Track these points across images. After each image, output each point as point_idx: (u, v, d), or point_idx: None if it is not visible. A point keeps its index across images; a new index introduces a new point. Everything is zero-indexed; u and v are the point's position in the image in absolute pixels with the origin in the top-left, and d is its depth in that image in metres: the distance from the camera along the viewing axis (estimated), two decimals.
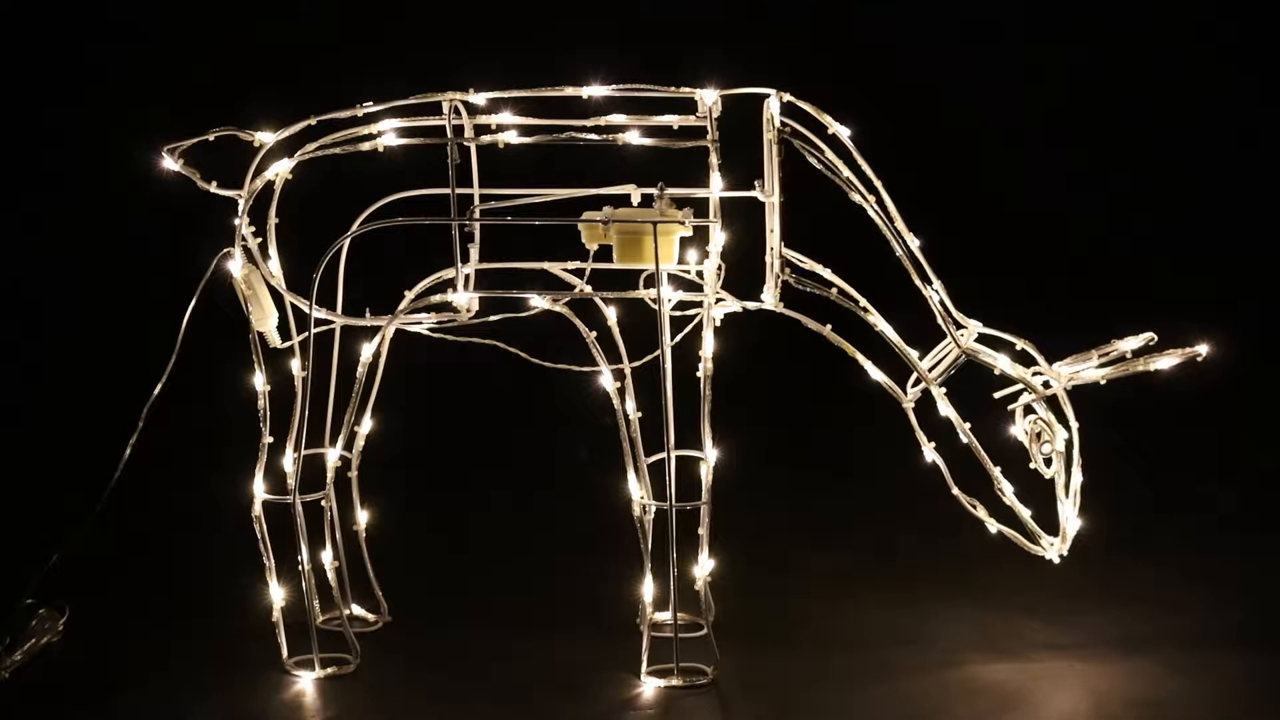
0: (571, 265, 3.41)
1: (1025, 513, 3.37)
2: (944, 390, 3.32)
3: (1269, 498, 4.47)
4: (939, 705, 3.17)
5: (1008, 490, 3.34)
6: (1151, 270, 5.34)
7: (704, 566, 3.36)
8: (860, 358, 3.33)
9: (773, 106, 3.26)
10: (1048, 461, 3.30)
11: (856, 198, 3.24)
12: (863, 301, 3.33)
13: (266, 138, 3.32)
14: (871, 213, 3.24)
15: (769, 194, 3.26)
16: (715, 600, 3.50)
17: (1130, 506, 4.11)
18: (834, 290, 3.31)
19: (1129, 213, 5.49)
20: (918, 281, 3.26)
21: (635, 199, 3.28)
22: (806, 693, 3.25)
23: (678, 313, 3.35)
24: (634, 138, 3.25)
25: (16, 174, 5.32)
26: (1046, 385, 3.29)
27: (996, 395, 3.34)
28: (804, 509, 4.59)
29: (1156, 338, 3.24)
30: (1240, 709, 3.12)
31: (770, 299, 3.36)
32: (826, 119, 3.24)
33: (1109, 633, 3.49)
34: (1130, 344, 3.25)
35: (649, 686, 3.28)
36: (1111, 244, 5.49)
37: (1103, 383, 3.26)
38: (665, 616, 3.40)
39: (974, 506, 3.40)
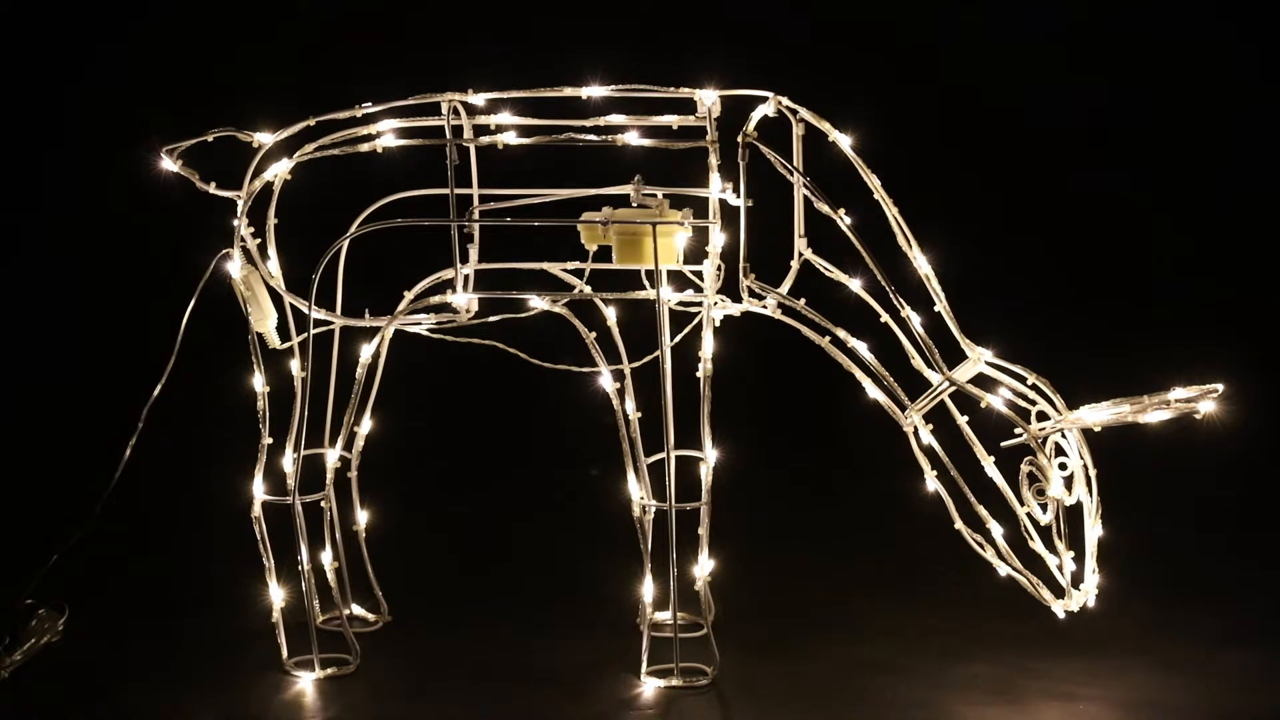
0: (571, 266, 3.41)
1: (1053, 561, 3.25)
2: (929, 424, 3.24)
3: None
4: (938, 705, 3.18)
5: (1035, 535, 3.22)
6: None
7: (704, 566, 3.36)
8: (858, 373, 3.28)
9: (756, 112, 3.25)
10: (1043, 507, 3.18)
11: (824, 208, 3.17)
12: (888, 319, 3.23)
13: (265, 138, 3.32)
14: (843, 227, 3.15)
15: (739, 198, 3.23)
16: (715, 600, 3.50)
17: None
18: (802, 301, 3.28)
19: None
20: (897, 302, 3.16)
21: (634, 200, 3.28)
22: (806, 693, 3.25)
23: (679, 308, 3.35)
24: (633, 138, 3.25)
25: (17, 174, 5.32)
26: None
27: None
28: (804, 509, 4.59)
29: (1221, 388, 3.05)
30: None
31: (745, 303, 3.35)
32: (825, 126, 3.20)
33: (1110, 632, 3.49)
34: (1184, 393, 3.06)
35: (649, 686, 3.29)
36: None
37: (1098, 429, 3.13)
38: (665, 616, 3.40)
39: (981, 546, 3.29)
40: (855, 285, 3.28)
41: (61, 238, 5.34)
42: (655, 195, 3.24)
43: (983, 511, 3.26)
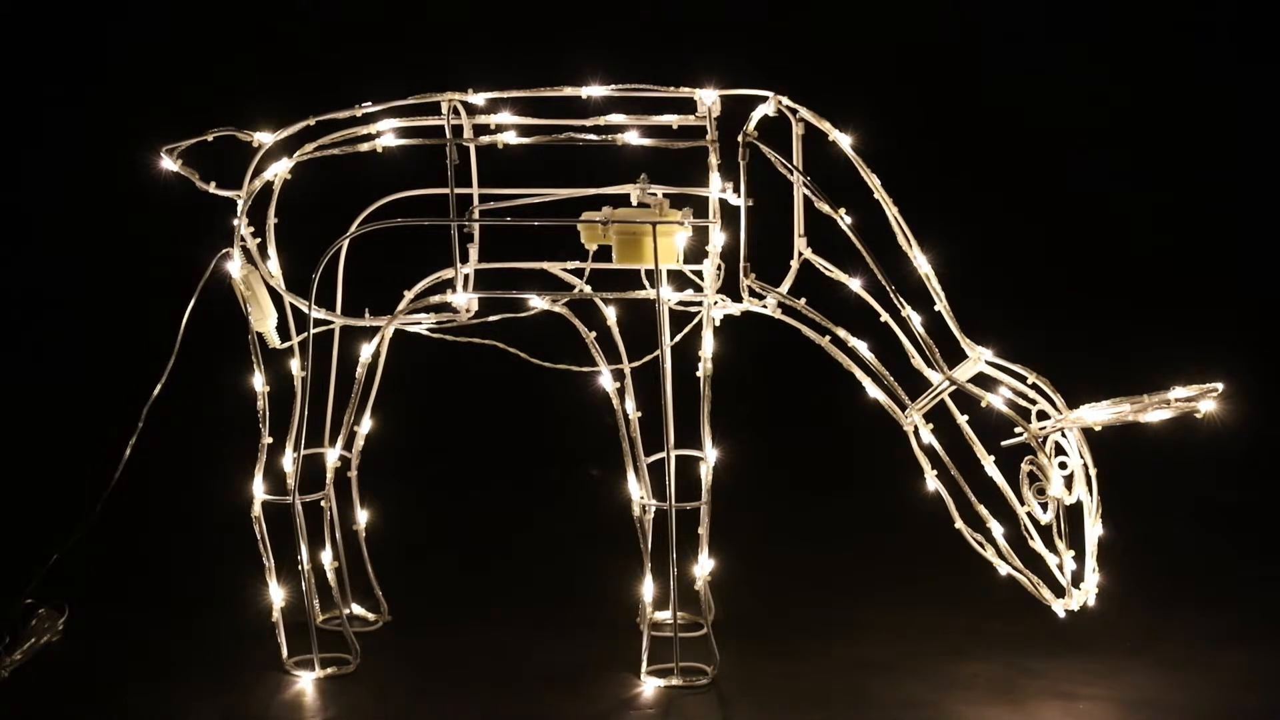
0: (571, 265, 3.41)
1: (1053, 560, 3.24)
2: (929, 423, 3.23)
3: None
4: (938, 705, 3.17)
5: (1035, 534, 3.21)
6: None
7: (704, 566, 3.36)
8: (858, 373, 3.28)
9: (756, 111, 3.24)
10: (1044, 507, 3.17)
11: (824, 208, 3.17)
12: (888, 319, 3.22)
13: (265, 138, 3.32)
14: (843, 226, 3.15)
15: (739, 198, 3.23)
16: (715, 600, 3.50)
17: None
18: (802, 301, 3.29)
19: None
20: (897, 301, 3.16)
21: (635, 199, 3.28)
22: (806, 692, 3.25)
23: (679, 308, 3.35)
24: (633, 138, 3.25)
25: (16, 173, 5.32)
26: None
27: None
28: (804, 509, 4.59)
29: (1221, 388, 3.04)
30: None
31: (745, 302, 3.35)
32: (825, 126, 3.20)
33: (1110, 632, 3.49)
34: (1184, 392, 3.04)
35: (649, 686, 3.29)
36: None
37: (1098, 429, 3.12)
38: (665, 616, 3.40)
39: (981, 545, 3.28)
40: (855, 285, 3.27)
41: (61, 238, 5.34)
42: (655, 195, 3.24)
43: (983, 511, 3.26)
